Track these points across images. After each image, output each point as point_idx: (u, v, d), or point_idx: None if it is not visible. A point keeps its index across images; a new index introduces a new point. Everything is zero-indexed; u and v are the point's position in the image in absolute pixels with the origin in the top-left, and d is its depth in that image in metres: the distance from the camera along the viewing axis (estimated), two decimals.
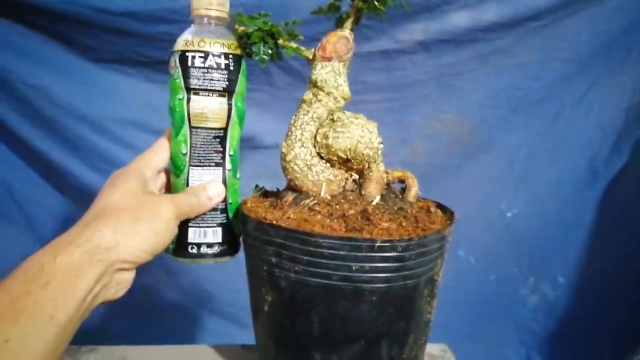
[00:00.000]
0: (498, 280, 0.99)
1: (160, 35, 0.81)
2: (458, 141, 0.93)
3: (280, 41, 0.49)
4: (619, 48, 0.86)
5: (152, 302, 0.95)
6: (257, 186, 0.56)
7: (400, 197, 0.52)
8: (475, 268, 0.99)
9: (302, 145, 0.50)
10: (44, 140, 0.86)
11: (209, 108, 0.48)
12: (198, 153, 0.49)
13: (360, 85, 0.88)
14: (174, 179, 0.50)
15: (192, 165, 0.49)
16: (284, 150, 0.51)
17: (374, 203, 0.49)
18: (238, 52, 0.49)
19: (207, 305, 0.97)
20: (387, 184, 0.53)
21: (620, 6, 0.83)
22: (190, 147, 0.48)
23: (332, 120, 0.50)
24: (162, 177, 0.51)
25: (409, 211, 0.49)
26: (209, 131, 0.48)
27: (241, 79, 0.49)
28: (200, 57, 0.46)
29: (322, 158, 0.51)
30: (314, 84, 0.50)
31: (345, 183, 0.51)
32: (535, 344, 1.00)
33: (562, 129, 0.90)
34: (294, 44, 0.50)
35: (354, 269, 0.41)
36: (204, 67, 0.47)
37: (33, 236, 0.92)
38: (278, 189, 0.56)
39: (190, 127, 0.48)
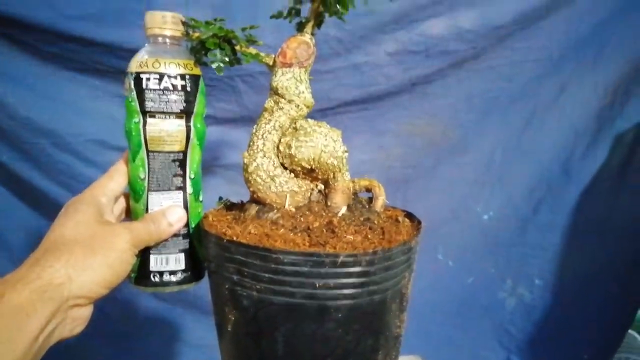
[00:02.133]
0: (476, 282, 0.99)
1: (124, 43, 0.78)
2: (432, 144, 0.92)
3: (238, 47, 0.47)
4: (590, 48, 0.86)
5: (133, 314, 0.92)
6: (220, 198, 0.54)
7: (367, 207, 0.50)
8: (454, 271, 0.98)
9: (265, 156, 0.48)
10: (8, 154, 0.82)
11: (166, 131, 0.46)
12: (157, 177, 0.47)
13: (332, 101, 0.86)
14: (133, 204, 0.48)
15: (151, 190, 0.47)
16: (245, 161, 0.48)
17: (339, 214, 0.47)
18: (195, 71, 0.47)
19: (189, 314, 0.93)
20: (354, 194, 0.51)
21: (590, 7, 0.83)
22: (149, 171, 0.46)
23: (295, 128, 0.49)
24: (122, 202, 0.49)
25: (375, 222, 0.47)
26: (168, 155, 0.47)
27: (200, 99, 0.47)
28: (155, 79, 0.44)
29: (285, 168, 0.49)
30: (275, 91, 0.48)
31: (311, 194, 0.49)
32: (514, 346, 0.99)
33: (536, 131, 0.90)
34: (253, 50, 0.48)
35: (317, 285, 0.39)
36: (159, 90, 0.45)
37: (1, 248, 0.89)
38: (242, 202, 0.54)
39: (148, 151, 0.46)
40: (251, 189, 0.48)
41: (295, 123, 0.49)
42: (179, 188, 0.48)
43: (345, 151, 0.48)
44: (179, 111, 0.46)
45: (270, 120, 0.49)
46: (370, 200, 0.51)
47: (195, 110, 0.47)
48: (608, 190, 0.91)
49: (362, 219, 0.47)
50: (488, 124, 0.91)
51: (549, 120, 0.90)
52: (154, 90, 0.45)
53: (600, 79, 0.88)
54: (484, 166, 0.93)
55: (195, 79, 0.47)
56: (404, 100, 0.88)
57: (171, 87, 0.45)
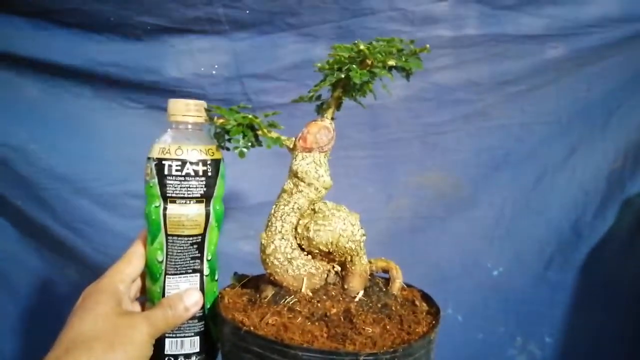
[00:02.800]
0: (485, 339, 0.97)
1: (155, 81, 0.80)
2: (442, 197, 0.92)
3: (260, 132, 0.48)
4: (599, 114, 0.86)
5: None
6: (235, 273, 0.54)
7: (384, 289, 0.50)
8: (463, 326, 0.97)
9: (283, 238, 0.48)
10: (24, 199, 0.83)
11: (186, 216, 0.47)
12: (175, 261, 0.47)
13: (345, 140, 0.87)
14: (149, 285, 0.48)
15: (169, 274, 0.47)
16: (263, 242, 0.49)
17: (357, 299, 0.47)
18: (217, 156, 0.48)
19: None
20: (371, 274, 0.51)
21: (600, 72, 0.84)
22: (167, 254, 0.47)
23: (314, 210, 0.49)
24: (137, 283, 0.49)
25: (393, 308, 0.47)
26: (187, 238, 0.47)
27: (220, 182, 0.48)
28: (177, 165, 0.45)
29: (303, 250, 0.49)
30: (295, 175, 0.49)
31: (327, 275, 0.49)
32: None
33: (546, 190, 0.90)
34: (274, 134, 0.49)
35: None
36: (180, 176, 0.46)
37: (6, 291, 0.88)
38: (257, 277, 0.53)
39: (167, 234, 0.47)
40: (268, 271, 0.48)
41: (314, 205, 0.49)
42: (195, 270, 0.48)
43: (364, 235, 0.48)
44: (199, 196, 0.47)
45: (289, 202, 0.49)
46: (387, 281, 0.51)
47: (215, 194, 0.48)
48: (617, 252, 0.90)
49: (379, 305, 0.47)
50: (498, 180, 0.91)
51: (559, 181, 0.90)
52: (176, 176, 0.46)
53: (610, 144, 0.88)
54: (494, 221, 0.93)
55: (216, 163, 0.47)
56: (415, 151, 0.89)
57: (192, 173, 0.46)
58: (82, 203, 0.83)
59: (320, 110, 0.50)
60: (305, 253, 0.49)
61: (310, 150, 0.48)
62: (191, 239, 0.47)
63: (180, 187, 0.46)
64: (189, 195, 0.46)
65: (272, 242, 0.48)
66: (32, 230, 0.86)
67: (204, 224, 0.47)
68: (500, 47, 0.83)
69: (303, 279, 0.48)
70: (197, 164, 0.46)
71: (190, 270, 0.48)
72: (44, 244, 0.87)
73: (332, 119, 0.50)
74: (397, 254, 0.53)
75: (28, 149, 0.81)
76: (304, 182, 0.48)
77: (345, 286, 0.49)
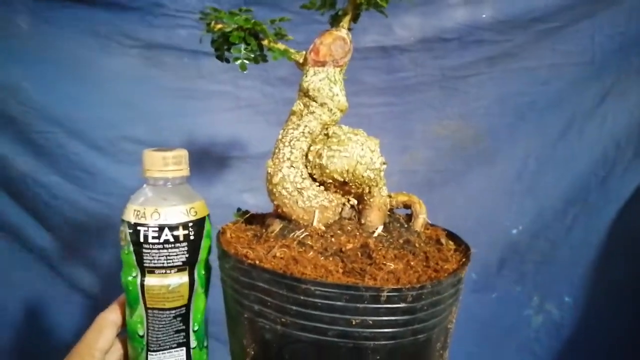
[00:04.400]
0: (500, 299, 0.92)
1: (151, 7, 0.73)
2: (461, 149, 0.86)
3: (265, 42, 0.41)
4: (635, 54, 0.79)
5: None
6: (239, 209, 0.49)
7: (405, 225, 0.44)
8: (477, 285, 0.92)
9: (292, 166, 0.42)
10: (10, 145, 0.77)
11: (167, 288, 0.40)
12: (157, 336, 0.42)
13: (358, 85, 0.80)
14: (132, 356, 0.43)
15: (151, 350, 0.42)
16: (270, 170, 0.43)
17: (375, 234, 0.42)
18: (200, 214, 0.41)
19: None
20: (391, 210, 0.46)
21: (638, 7, 0.76)
22: (148, 329, 0.41)
23: (327, 135, 0.43)
24: (119, 348, 0.44)
25: (416, 245, 0.41)
26: (169, 311, 0.41)
27: (205, 244, 0.42)
28: (154, 232, 0.39)
29: (314, 180, 0.43)
30: (305, 93, 0.42)
31: (342, 209, 0.44)
32: None
33: (573, 141, 0.83)
34: (281, 45, 0.42)
35: (353, 323, 0.34)
36: (158, 244, 0.39)
37: None
38: (263, 214, 0.48)
39: (147, 308, 0.41)
40: (275, 203, 0.43)
41: (327, 129, 0.43)
42: (181, 344, 0.43)
43: (384, 163, 0.42)
44: (181, 264, 0.41)
45: (299, 125, 0.43)
46: (409, 217, 0.46)
47: (199, 258, 0.42)
48: None
49: (401, 240, 0.41)
50: (522, 130, 0.84)
51: (588, 131, 0.83)
52: (153, 244, 0.39)
53: None
54: (515, 176, 0.87)
55: (199, 223, 0.41)
56: (433, 98, 0.82)
57: (172, 240, 0.40)
58: (78, 148, 0.78)
59: (335, 20, 0.43)
60: (318, 184, 0.43)
61: (323, 64, 0.42)
62: (174, 311, 0.41)
63: (159, 257, 0.40)
64: (170, 265, 0.40)
65: (280, 170, 0.42)
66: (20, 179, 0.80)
67: (188, 294, 0.42)
68: None
69: (314, 212, 0.42)
70: (177, 228, 0.40)
71: (175, 345, 0.42)
72: (33, 195, 0.81)
73: (349, 29, 0.43)
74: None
75: (20, 87, 0.74)
76: (316, 102, 0.42)
77: (362, 221, 0.43)
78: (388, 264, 0.37)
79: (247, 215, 0.48)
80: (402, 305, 0.33)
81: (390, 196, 0.45)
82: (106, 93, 0.77)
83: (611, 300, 0.90)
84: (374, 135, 0.83)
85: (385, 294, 0.33)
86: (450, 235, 0.46)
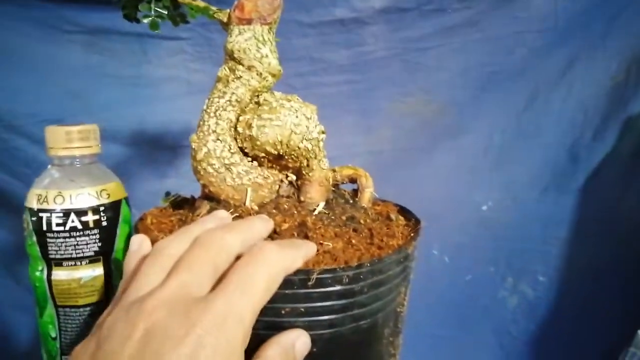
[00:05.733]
0: (474, 280, 0.89)
1: None
2: (426, 125, 0.82)
3: None
4: (600, 18, 0.75)
5: None
6: (167, 193, 0.44)
7: (351, 201, 0.40)
8: (450, 268, 0.89)
9: (218, 139, 0.37)
10: None
11: (77, 282, 0.36)
12: (71, 338, 0.36)
13: (317, 64, 0.76)
14: None
15: (66, 354, 0.37)
16: (194, 146, 0.38)
17: (316, 212, 0.37)
18: (115, 196, 0.37)
19: None
20: (335, 186, 0.41)
21: None
22: (60, 330, 0.36)
23: (258, 103, 0.38)
24: None
25: (361, 221, 0.37)
26: (82, 309, 0.36)
27: (122, 230, 0.37)
28: (58, 217, 0.34)
29: (246, 155, 0.38)
30: (230, 56, 0.37)
31: (279, 187, 0.39)
32: (516, 348, 0.90)
33: (539, 111, 0.80)
34: (200, 2, 0.37)
35: (283, 312, 0.29)
36: (64, 232, 0.34)
37: None
38: (193, 197, 0.43)
39: (57, 306, 0.36)
40: (201, 182, 0.38)
41: (258, 96, 0.38)
42: None
43: (322, 132, 0.38)
44: (93, 254, 0.36)
45: (225, 92, 0.38)
46: (355, 192, 0.41)
47: (115, 247, 0.37)
48: (618, 178, 0.82)
49: (344, 217, 0.37)
50: (486, 102, 0.81)
51: (554, 100, 0.81)
52: (58, 232, 0.34)
53: (612, 54, 0.78)
54: (482, 150, 0.84)
55: (113, 207, 0.36)
56: (395, 73, 0.79)
57: (80, 227, 0.35)
58: (20, 143, 0.72)
59: None
60: (250, 159, 0.38)
61: (249, 21, 0.37)
62: (89, 308, 0.36)
63: (66, 246, 0.35)
64: (79, 255, 0.35)
65: (205, 145, 0.37)
66: None
67: (104, 288, 0.37)
68: None
69: (246, 190, 0.37)
70: (85, 213, 0.35)
71: None
72: None
73: None
74: (378, 192, 0.43)
75: None
76: (243, 65, 0.37)
77: (302, 198, 0.38)
78: (326, 243, 0.32)
79: (177, 199, 0.43)
80: (337, 288, 0.29)
81: (334, 170, 0.40)
82: (48, 83, 0.72)
83: (586, 279, 0.87)
84: (337, 116, 0.80)
85: (314, 276, 0.28)
86: (402, 210, 0.42)
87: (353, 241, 0.33)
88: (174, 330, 0.23)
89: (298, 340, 0.29)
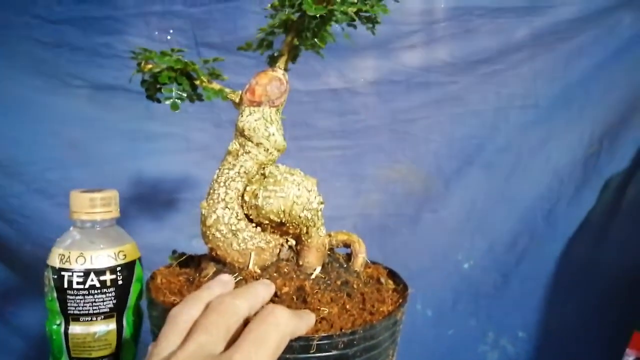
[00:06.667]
0: (456, 335, 0.92)
1: (100, 48, 0.72)
2: (413, 192, 0.87)
3: (198, 82, 0.40)
4: (576, 95, 0.82)
5: None
6: (174, 252, 0.47)
7: (345, 265, 0.43)
8: (433, 322, 0.92)
9: (226, 207, 0.41)
10: None
11: (92, 336, 0.39)
12: None
13: (310, 129, 0.81)
14: None
15: None
16: (204, 212, 0.42)
17: (313, 276, 0.41)
18: (130, 257, 0.40)
19: None
20: (331, 249, 0.45)
21: (577, 51, 0.80)
22: None
23: (263, 175, 0.42)
24: None
25: (354, 285, 0.40)
26: None
27: (134, 288, 0.41)
28: (79, 277, 0.38)
29: (251, 221, 0.42)
30: (241, 133, 0.42)
31: (280, 250, 0.42)
32: None
33: (519, 179, 0.85)
34: (216, 85, 0.42)
35: None
36: (84, 289, 0.38)
37: None
38: (200, 256, 0.46)
39: (71, 358, 0.39)
40: (209, 245, 0.41)
41: (264, 169, 0.43)
42: None
43: (321, 202, 0.42)
44: (108, 311, 0.39)
45: (234, 165, 0.42)
46: (349, 256, 0.45)
47: (128, 304, 0.41)
48: (593, 240, 0.87)
49: (339, 282, 0.40)
50: (471, 173, 0.86)
51: (534, 168, 0.86)
52: (78, 290, 0.38)
53: (587, 127, 0.84)
54: (465, 215, 0.88)
55: (128, 267, 0.40)
56: (384, 141, 0.84)
57: (99, 285, 0.38)
58: (17, 190, 0.73)
59: (273, 60, 0.44)
60: (254, 225, 0.42)
61: (259, 104, 0.42)
62: None
63: (84, 303, 0.38)
64: (95, 311, 0.39)
65: (214, 212, 0.41)
66: None
67: (116, 342, 0.40)
68: (474, 22, 0.79)
69: (250, 254, 0.41)
70: (104, 272, 0.39)
71: None
72: None
73: (286, 69, 0.43)
74: (367, 250, 0.47)
75: None
76: (252, 142, 0.42)
77: (301, 262, 0.42)
78: (322, 308, 0.36)
79: (183, 258, 0.46)
80: (333, 352, 0.32)
81: (329, 235, 0.44)
82: (50, 134, 0.75)
83: (563, 334, 0.90)
84: (328, 179, 0.84)
85: (315, 342, 0.31)
86: (391, 274, 0.45)
87: (347, 306, 0.37)
88: None
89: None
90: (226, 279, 0.37)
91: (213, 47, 0.75)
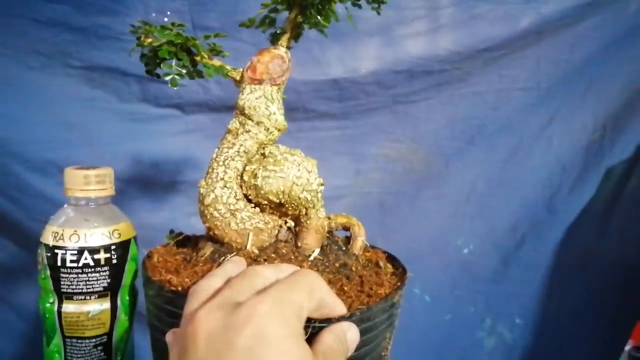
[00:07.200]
0: (454, 320, 0.92)
1: (97, 28, 0.70)
2: (413, 171, 0.87)
3: (199, 58, 0.40)
4: (580, 80, 0.82)
5: None
6: (171, 231, 0.46)
7: (343, 248, 0.43)
8: (431, 307, 0.92)
9: (225, 186, 0.41)
10: None
11: (86, 315, 0.39)
12: None
13: (311, 113, 0.80)
14: None
15: None
16: (202, 191, 0.41)
17: (311, 258, 0.40)
18: (125, 235, 0.40)
19: None
20: (330, 232, 0.44)
21: (582, 33, 0.79)
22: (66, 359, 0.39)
23: (263, 155, 0.42)
24: None
25: (353, 268, 0.40)
26: (88, 340, 0.39)
27: (129, 267, 0.40)
28: (72, 255, 0.37)
29: (250, 201, 0.41)
30: (241, 111, 0.41)
31: (279, 231, 0.42)
32: None
33: (520, 164, 0.85)
34: (217, 62, 0.41)
35: None
36: (77, 268, 0.37)
37: None
38: (197, 236, 0.46)
39: (64, 337, 0.39)
40: (207, 225, 0.41)
41: (264, 149, 0.42)
42: None
43: (321, 184, 0.41)
44: (102, 289, 0.39)
45: (234, 144, 0.41)
46: (348, 239, 0.44)
47: (123, 283, 0.40)
48: (593, 228, 0.86)
49: (337, 264, 0.40)
50: (471, 153, 0.86)
51: (534, 154, 0.85)
52: (71, 268, 0.37)
53: (589, 113, 0.84)
54: (465, 197, 0.88)
55: (123, 246, 0.40)
56: (384, 122, 0.83)
57: (92, 263, 0.38)
58: (16, 169, 0.73)
59: (275, 38, 0.43)
60: (253, 205, 0.41)
61: (260, 81, 0.41)
62: (94, 340, 0.39)
63: (78, 281, 0.38)
64: (89, 290, 0.38)
65: (212, 191, 0.40)
66: None
67: (110, 321, 0.40)
68: (479, 9, 0.77)
69: (248, 234, 0.40)
70: (97, 251, 0.38)
71: None
72: None
73: (288, 47, 0.42)
74: (366, 231, 0.47)
75: None
76: (252, 120, 0.41)
77: (299, 243, 0.42)
78: None
79: (180, 237, 0.46)
80: None
81: (329, 218, 0.44)
82: (47, 113, 0.74)
83: (561, 322, 0.91)
84: (328, 158, 0.84)
85: (316, 324, 0.31)
86: (390, 258, 0.45)
87: (345, 288, 0.36)
88: (233, 321, 0.25)
89: (349, 331, 0.31)
90: (237, 259, 0.37)
91: (211, 30, 0.73)
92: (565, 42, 0.79)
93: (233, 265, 0.34)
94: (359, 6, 0.41)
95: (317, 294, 0.30)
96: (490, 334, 0.93)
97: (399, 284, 0.39)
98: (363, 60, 0.79)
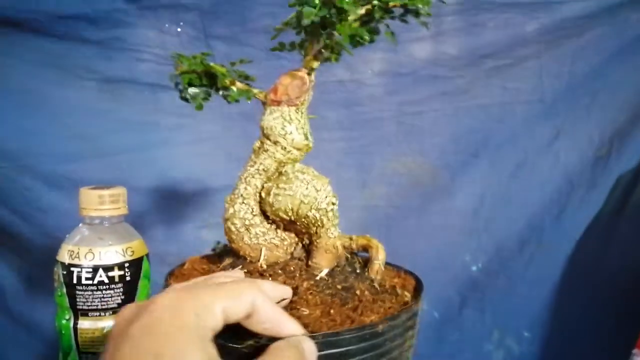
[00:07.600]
0: (462, 334, 0.93)
1: (111, 41, 0.73)
2: (419, 184, 0.87)
3: (225, 82, 0.42)
4: (584, 92, 0.82)
5: None
6: (218, 242, 0.47)
7: (358, 271, 0.43)
8: (439, 322, 0.92)
9: (243, 202, 0.42)
10: None
11: (101, 331, 0.40)
12: None
13: (316, 120, 0.82)
14: None
15: None
16: (226, 205, 0.43)
17: (317, 277, 0.41)
18: (138, 253, 0.42)
19: None
20: (352, 253, 0.44)
21: (584, 45, 0.80)
22: None
23: (280, 173, 0.43)
24: None
25: (357, 292, 0.39)
26: None
27: (142, 284, 0.42)
28: (88, 272, 0.39)
29: (267, 218, 0.43)
30: (262, 131, 0.43)
31: (294, 249, 0.44)
32: None
33: (527, 178, 0.85)
34: (242, 86, 0.43)
35: None
36: (92, 285, 0.39)
37: None
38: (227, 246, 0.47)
39: (80, 352, 0.40)
40: (226, 238, 0.43)
41: (283, 167, 0.44)
42: None
43: (333, 203, 0.42)
44: (116, 306, 0.41)
45: (255, 162, 0.43)
46: (366, 262, 0.45)
47: (136, 299, 0.42)
48: (601, 241, 0.86)
49: (339, 286, 0.40)
50: (477, 167, 0.86)
51: (541, 168, 0.86)
52: (87, 286, 0.39)
53: (595, 127, 0.84)
54: (471, 213, 0.88)
55: (137, 263, 0.41)
56: (391, 134, 0.84)
57: (107, 281, 0.40)
58: (30, 183, 0.75)
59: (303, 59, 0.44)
60: (270, 222, 0.43)
61: (279, 103, 0.43)
62: None
63: (93, 298, 0.40)
64: (104, 307, 0.40)
65: (232, 206, 0.42)
66: None
67: None
68: (481, 17, 0.79)
69: (261, 249, 0.42)
70: (112, 268, 0.40)
71: None
72: None
73: (312, 69, 0.44)
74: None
75: None
76: (270, 140, 0.43)
77: (310, 262, 0.43)
78: (302, 309, 0.36)
79: (220, 249, 0.47)
80: None
81: (350, 238, 0.44)
82: (61, 126, 0.76)
83: (569, 335, 0.91)
84: (334, 171, 0.85)
85: (259, 339, 0.30)
86: (417, 287, 0.45)
87: (331, 312, 0.36)
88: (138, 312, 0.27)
89: (304, 343, 0.30)
90: (234, 271, 0.39)
91: (222, 39, 0.76)
92: (567, 54, 0.80)
93: (225, 274, 0.36)
94: (406, 21, 0.41)
95: (248, 299, 0.29)
96: (499, 347, 0.93)
97: (394, 314, 0.36)
98: (369, 63, 0.81)
